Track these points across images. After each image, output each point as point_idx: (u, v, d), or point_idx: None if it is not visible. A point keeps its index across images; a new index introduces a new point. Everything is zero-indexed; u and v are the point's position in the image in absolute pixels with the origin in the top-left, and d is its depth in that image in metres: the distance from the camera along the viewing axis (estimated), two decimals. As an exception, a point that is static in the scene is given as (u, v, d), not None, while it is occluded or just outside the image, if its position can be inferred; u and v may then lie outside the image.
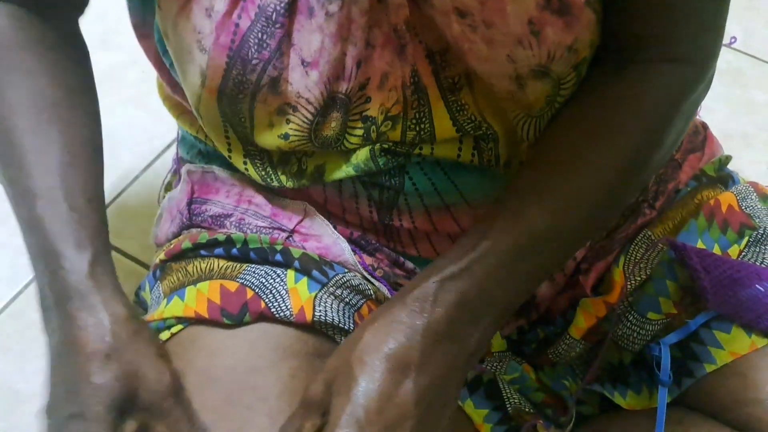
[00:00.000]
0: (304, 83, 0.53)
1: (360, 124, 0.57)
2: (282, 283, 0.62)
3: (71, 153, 0.57)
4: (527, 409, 0.69)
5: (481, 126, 0.58)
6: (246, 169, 0.62)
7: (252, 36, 0.52)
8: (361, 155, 0.59)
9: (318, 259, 0.64)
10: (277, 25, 0.52)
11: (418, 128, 0.57)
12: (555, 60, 0.53)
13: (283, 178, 0.62)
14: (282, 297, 0.61)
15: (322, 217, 0.66)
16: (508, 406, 0.68)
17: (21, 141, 0.57)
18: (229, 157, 0.62)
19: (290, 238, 0.66)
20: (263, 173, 0.62)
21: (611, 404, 0.69)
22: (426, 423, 0.51)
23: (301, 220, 0.66)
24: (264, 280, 0.62)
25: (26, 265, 1.18)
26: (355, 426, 0.49)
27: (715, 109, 1.28)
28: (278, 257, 0.63)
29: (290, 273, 0.63)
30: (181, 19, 0.54)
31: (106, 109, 1.25)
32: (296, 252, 0.64)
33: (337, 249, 0.65)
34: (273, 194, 0.67)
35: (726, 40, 1.45)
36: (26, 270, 1.11)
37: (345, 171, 0.60)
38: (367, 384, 0.49)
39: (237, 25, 0.52)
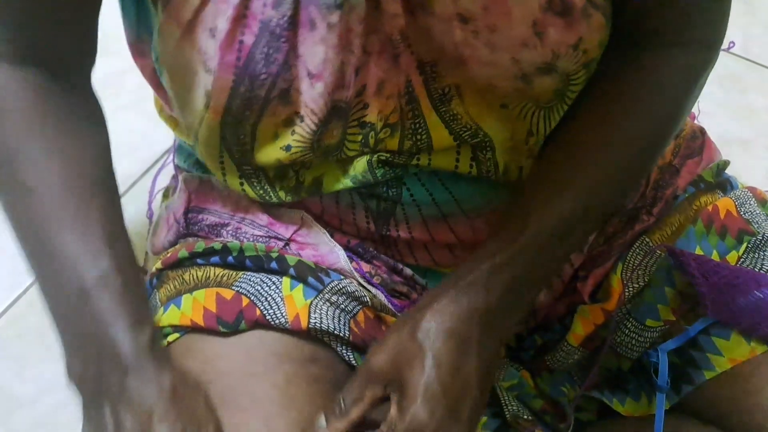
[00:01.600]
0: (310, 94, 0.54)
1: (358, 130, 0.57)
2: (277, 291, 0.62)
3: (112, 234, 0.57)
4: (526, 416, 0.69)
5: (478, 134, 0.58)
6: (243, 189, 0.62)
7: (258, 52, 0.52)
8: (359, 167, 0.59)
9: (314, 266, 0.64)
10: (282, 39, 0.52)
11: (414, 138, 0.58)
12: (560, 57, 0.54)
13: (281, 193, 0.62)
14: (277, 304, 0.61)
15: (319, 226, 0.66)
16: (506, 412, 0.68)
17: (58, 235, 0.56)
18: (224, 179, 0.62)
19: (287, 247, 0.65)
20: (261, 191, 0.62)
21: (610, 411, 0.69)
22: (481, 396, 0.54)
23: (298, 229, 0.66)
24: (259, 288, 0.62)
25: (24, 272, 1.18)
26: (430, 397, 0.52)
27: (714, 114, 1.28)
28: (273, 265, 0.63)
29: (285, 280, 0.63)
30: (185, 43, 0.54)
31: (106, 115, 1.25)
32: (291, 259, 0.64)
33: (333, 257, 0.65)
34: (269, 203, 0.67)
35: (725, 44, 1.45)
36: (25, 275, 1.11)
37: (343, 183, 0.60)
38: (437, 360, 0.52)
39: (241, 42, 0.52)
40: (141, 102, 1.24)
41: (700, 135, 0.73)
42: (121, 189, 1.20)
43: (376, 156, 0.58)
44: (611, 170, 0.58)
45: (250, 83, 0.53)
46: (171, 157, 0.81)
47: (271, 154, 0.57)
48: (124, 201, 1.22)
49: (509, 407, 0.68)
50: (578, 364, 0.71)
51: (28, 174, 0.57)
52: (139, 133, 1.26)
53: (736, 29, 1.39)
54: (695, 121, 0.76)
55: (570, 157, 0.59)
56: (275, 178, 0.61)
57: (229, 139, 0.57)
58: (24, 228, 0.58)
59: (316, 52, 0.52)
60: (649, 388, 0.67)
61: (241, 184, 0.62)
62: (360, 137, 0.57)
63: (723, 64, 1.41)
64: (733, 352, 0.63)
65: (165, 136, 1.21)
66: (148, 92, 0.67)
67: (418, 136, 0.57)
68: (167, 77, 0.58)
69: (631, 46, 0.59)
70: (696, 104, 0.92)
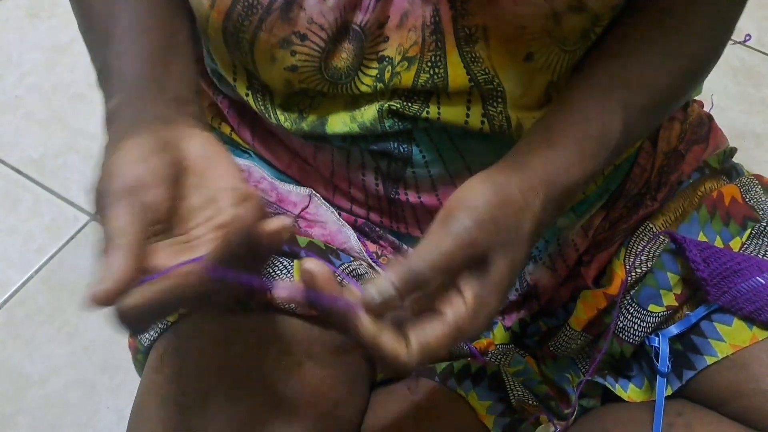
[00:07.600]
0: (318, 8, 0.53)
1: (375, 64, 0.56)
2: (288, 275, 0.62)
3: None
4: (530, 402, 0.69)
5: (493, 80, 0.56)
6: (247, 99, 0.62)
7: None
8: (368, 114, 0.58)
9: (324, 247, 0.64)
10: None
11: (432, 71, 0.56)
12: None
13: (281, 117, 0.61)
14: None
15: (327, 205, 0.66)
16: (511, 398, 0.68)
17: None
18: (234, 82, 0.61)
19: (296, 224, 0.66)
20: (262, 108, 0.61)
21: (613, 396, 0.69)
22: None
23: (306, 206, 0.66)
24: (270, 270, 0.62)
25: (35, 251, 1.19)
26: (503, 287, 0.48)
27: (727, 108, 1.28)
28: (284, 247, 0.63)
29: (297, 263, 0.63)
30: None
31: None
32: (303, 241, 0.64)
33: (342, 236, 0.66)
34: (279, 180, 0.67)
35: (740, 37, 1.44)
36: (35, 256, 1.13)
37: (350, 126, 0.59)
38: (520, 247, 0.49)
39: None
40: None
41: (706, 121, 0.73)
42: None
43: (387, 104, 0.57)
44: (653, 94, 0.57)
45: None
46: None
47: (275, 74, 0.56)
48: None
49: (514, 392, 0.68)
50: (582, 351, 0.72)
51: None
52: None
53: (751, 22, 1.39)
54: (704, 109, 0.76)
55: (618, 69, 0.57)
56: (279, 105, 0.61)
57: (232, 50, 0.56)
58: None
59: None
60: (652, 373, 0.67)
61: (247, 95, 0.61)
62: (376, 72, 0.56)
63: (738, 57, 1.41)
64: (734, 337, 0.63)
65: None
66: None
67: (436, 70, 0.56)
68: None
69: None
70: (709, 97, 0.91)
